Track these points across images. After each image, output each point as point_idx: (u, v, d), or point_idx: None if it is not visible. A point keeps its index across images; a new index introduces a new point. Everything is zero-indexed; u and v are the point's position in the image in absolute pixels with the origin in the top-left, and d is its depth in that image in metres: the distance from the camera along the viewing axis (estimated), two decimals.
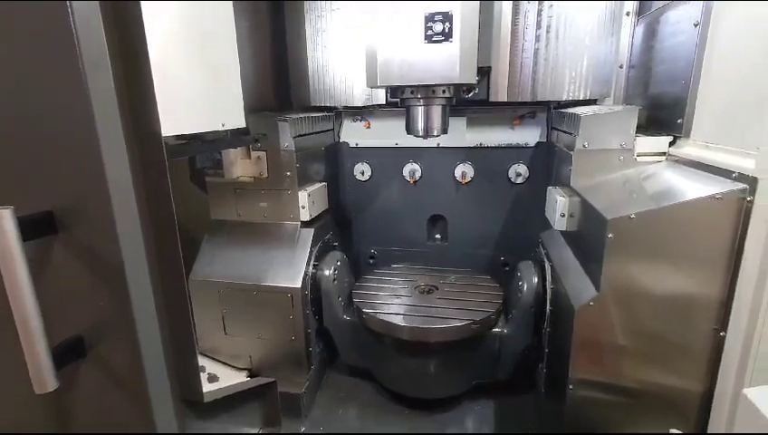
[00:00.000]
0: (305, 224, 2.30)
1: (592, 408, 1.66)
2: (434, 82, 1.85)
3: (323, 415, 2.31)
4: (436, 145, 2.61)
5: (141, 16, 0.89)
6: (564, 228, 1.92)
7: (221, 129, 1.80)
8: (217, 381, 2.16)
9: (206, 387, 2.10)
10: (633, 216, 1.43)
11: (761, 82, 1.31)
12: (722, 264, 1.39)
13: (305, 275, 2.18)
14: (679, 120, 1.70)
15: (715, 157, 1.47)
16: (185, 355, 1.10)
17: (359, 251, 2.96)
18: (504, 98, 2.27)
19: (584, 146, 1.84)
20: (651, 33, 2.03)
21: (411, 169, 2.69)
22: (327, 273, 2.30)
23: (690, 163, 1.60)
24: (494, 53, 2.20)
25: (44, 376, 0.85)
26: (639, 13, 2.19)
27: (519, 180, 2.57)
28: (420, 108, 2.01)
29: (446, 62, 1.78)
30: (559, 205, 1.90)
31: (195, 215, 2.46)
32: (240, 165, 2.20)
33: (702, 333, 1.46)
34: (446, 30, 1.75)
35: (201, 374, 2.13)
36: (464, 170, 2.62)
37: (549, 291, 2.01)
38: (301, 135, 2.25)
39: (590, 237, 1.68)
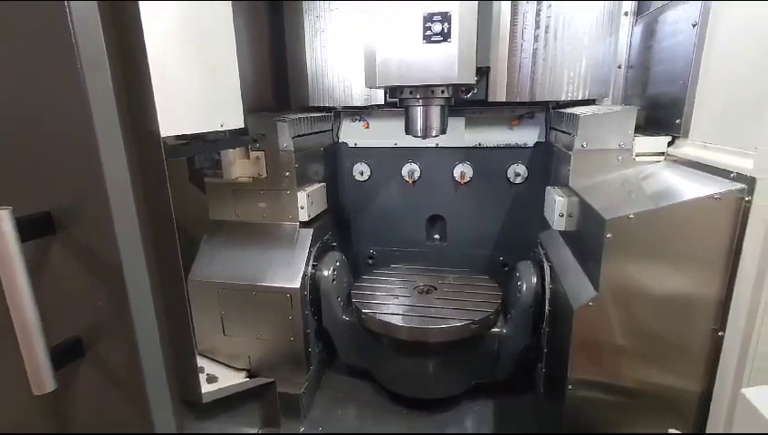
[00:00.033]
0: (304, 224, 2.30)
1: (591, 408, 1.66)
2: (433, 82, 1.85)
3: (322, 415, 2.30)
4: (434, 145, 2.61)
5: (139, 16, 0.89)
6: (563, 228, 1.92)
7: (220, 129, 1.80)
8: (216, 381, 2.16)
9: (205, 387, 2.09)
10: (632, 216, 1.43)
11: (759, 82, 1.31)
12: (720, 264, 1.39)
13: (304, 275, 2.18)
14: (678, 121, 1.70)
15: (714, 157, 1.47)
16: (184, 356, 1.10)
17: (358, 251, 2.96)
18: (502, 98, 2.27)
19: (583, 146, 1.84)
20: (650, 34, 2.03)
21: (410, 170, 2.69)
22: (326, 273, 2.30)
23: (688, 163, 1.60)
24: (492, 53, 2.20)
25: (42, 377, 0.85)
26: (638, 13, 2.19)
27: (518, 180, 2.57)
28: (419, 108, 2.01)
29: (445, 62, 1.78)
30: (557, 205, 1.90)
31: (193, 215, 2.45)
32: (239, 165, 2.19)
33: (700, 333, 1.46)
34: (445, 30, 1.75)
35: (200, 375, 2.13)
36: (462, 170, 2.62)
37: (548, 291, 2.01)
38: (299, 135, 2.25)
39: (588, 237, 1.68)
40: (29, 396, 0.86)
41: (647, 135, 1.79)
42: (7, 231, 0.78)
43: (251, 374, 2.28)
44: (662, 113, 1.83)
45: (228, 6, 1.80)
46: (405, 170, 2.70)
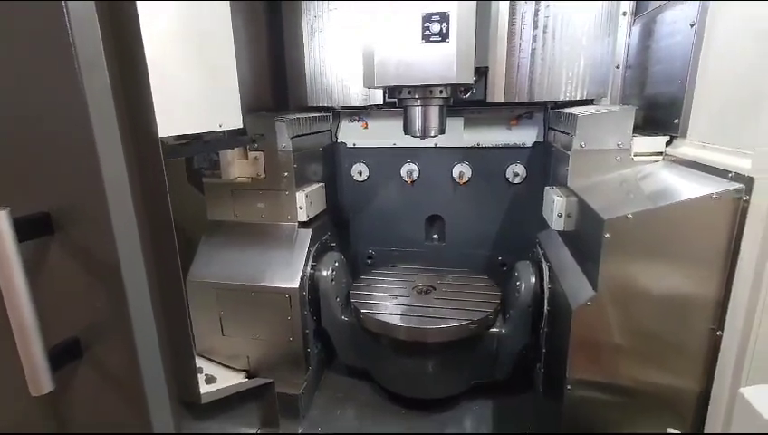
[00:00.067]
0: (303, 224, 2.30)
1: (590, 407, 1.66)
2: (431, 82, 1.85)
3: (321, 415, 2.30)
4: (433, 145, 2.61)
5: (137, 16, 0.89)
6: (561, 228, 1.92)
7: (218, 129, 1.80)
8: (215, 382, 2.16)
9: (204, 388, 2.09)
10: (630, 215, 1.43)
11: (757, 81, 1.31)
12: (718, 263, 1.39)
13: (303, 275, 2.18)
14: (676, 120, 1.70)
15: (712, 156, 1.47)
16: (182, 356, 1.09)
17: (356, 251, 2.95)
18: (501, 98, 2.27)
19: (581, 146, 1.84)
20: (648, 34, 2.03)
21: (409, 170, 2.69)
22: (325, 273, 2.30)
23: (687, 163, 1.61)
24: (491, 53, 2.20)
25: (40, 378, 0.85)
26: (636, 13, 2.20)
27: (516, 180, 2.57)
28: (418, 108, 2.01)
29: (444, 62, 1.78)
30: (556, 205, 1.90)
31: (192, 216, 2.45)
32: (237, 165, 2.19)
33: (699, 333, 1.46)
34: (444, 30, 1.75)
35: (198, 375, 2.12)
36: (461, 170, 2.62)
37: (546, 291, 2.01)
38: (298, 135, 2.24)
39: (587, 237, 1.68)
40: (27, 397, 0.86)
41: (645, 135, 1.79)
42: (5, 231, 0.78)
43: (250, 375, 2.27)
44: (660, 113, 1.83)
45: (227, 6, 1.79)
46: (404, 170, 2.70)
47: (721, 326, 1.42)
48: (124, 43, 0.89)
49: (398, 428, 2.20)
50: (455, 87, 1.98)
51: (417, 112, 2.02)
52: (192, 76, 1.60)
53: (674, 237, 1.42)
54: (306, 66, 2.49)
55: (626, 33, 2.22)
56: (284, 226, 2.29)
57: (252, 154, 2.20)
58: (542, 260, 2.11)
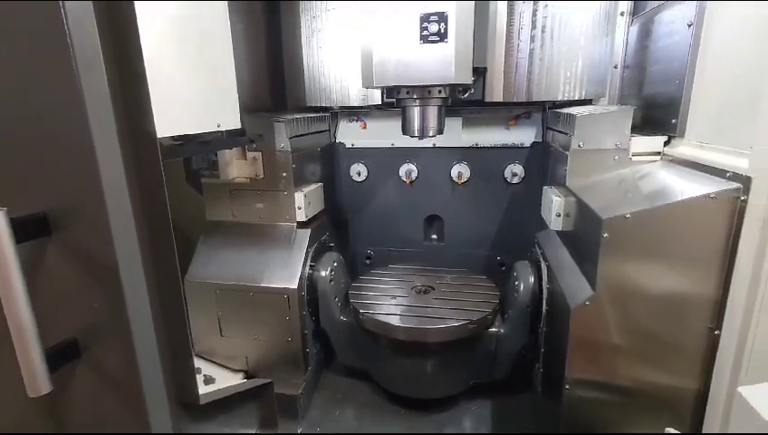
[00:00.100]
0: (301, 225, 2.30)
1: (589, 407, 1.66)
2: (429, 82, 1.85)
3: (320, 416, 2.30)
4: (432, 145, 2.61)
5: (135, 17, 0.88)
6: (560, 228, 1.92)
7: (217, 129, 1.79)
8: (213, 382, 2.16)
9: (202, 389, 2.08)
10: (628, 215, 1.44)
11: (754, 81, 1.32)
12: (716, 263, 1.40)
13: (302, 275, 2.18)
14: (674, 120, 1.70)
15: (710, 156, 1.48)
16: (180, 357, 1.09)
17: (355, 252, 2.95)
18: (499, 98, 2.27)
19: (580, 146, 1.84)
20: (645, 34, 2.04)
21: (407, 170, 2.69)
22: (323, 274, 2.30)
23: (685, 163, 1.61)
24: (489, 53, 2.21)
25: (38, 379, 0.85)
26: (634, 13, 2.20)
27: (515, 180, 2.58)
28: (416, 108, 2.01)
29: (442, 62, 1.78)
30: (554, 205, 1.90)
31: (190, 216, 2.45)
32: (236, 166, 2.19)
33: (697, 332, 1.47)
34: (442, 30, 1.75)
35: (197, 376, 2.12)
36: (460, 171, 2.62)
37: (545, 291, 2.02)
38: (296, 136, 2.24)
39: (585, 237, 1.68)
40: (25, 398, 0.86)
41: (643, 135, 1.80)
42: (2, 232, 0.78)
43: (248, 375, 2.27)
44: (658, 113, 1.84)
45: (225, 6, 1.79)
46: (402, 171, 2.70)
47: (719, 325, 1.42)
48: (122, 44, 0.88)
49: (398, 428, 2.20)
50: (453, 87, 1.98)
51: (415, 112, 2.02)
52: (190, 76, 1.60)
53: (672, 237, 1.42)
54: (305, 66, 2.49)
55: (624, 33, 2.22)
56: (283, 226, 2.29)
57: (250, 154, 2.19)
58: (541, 260, 2.11)
